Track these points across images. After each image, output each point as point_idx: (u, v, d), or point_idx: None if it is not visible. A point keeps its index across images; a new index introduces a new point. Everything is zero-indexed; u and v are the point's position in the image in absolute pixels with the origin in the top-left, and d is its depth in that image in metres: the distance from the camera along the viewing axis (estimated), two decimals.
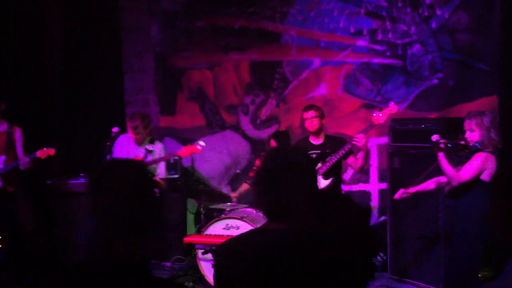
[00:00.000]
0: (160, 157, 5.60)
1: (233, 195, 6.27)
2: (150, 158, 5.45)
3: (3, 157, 5.52)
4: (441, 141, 4.25)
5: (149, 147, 5.43)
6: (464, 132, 4.36)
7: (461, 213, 4.38)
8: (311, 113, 5.30)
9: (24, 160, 5.40)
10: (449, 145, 4.23)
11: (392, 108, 5.12)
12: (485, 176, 4.23)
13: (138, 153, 5.54)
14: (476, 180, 4.25)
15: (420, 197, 5.44)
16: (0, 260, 5.70)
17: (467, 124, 4.35)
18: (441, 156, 4.31)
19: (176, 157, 5.91)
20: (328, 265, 1.87)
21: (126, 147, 5.66)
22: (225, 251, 2.02)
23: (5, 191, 5.54)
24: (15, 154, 5.57)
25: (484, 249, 4.31)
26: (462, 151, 4.27)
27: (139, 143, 5.61)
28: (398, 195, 4.81)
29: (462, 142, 4.26)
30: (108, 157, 5.50)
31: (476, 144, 4.23)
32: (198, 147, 5.48)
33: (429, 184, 4.75)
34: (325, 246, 1.88)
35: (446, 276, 5.07)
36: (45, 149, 5.37)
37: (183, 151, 5.55)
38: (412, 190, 4.77)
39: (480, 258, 4.33)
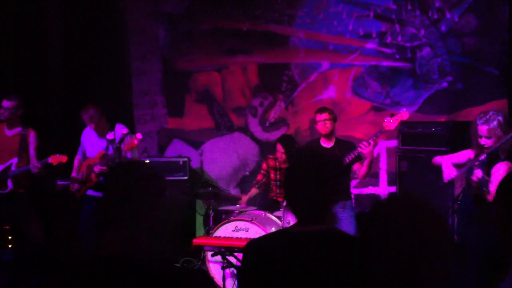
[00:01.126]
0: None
1: (243, 199, 6.27)
2: (111, 148, 5.37)
3: (15, 159, 5.54)
4: (476, 164, 4.04)
5: (110, 135, 5.39)
6: (477, 136, 4.15)
7: (469, 220, 4.26)
8: (324, 116, 5.28)
9: (35, 165, 5.42)
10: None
11: (404, 114, 5.09)
12: None
13: (101, 144, 5.51)
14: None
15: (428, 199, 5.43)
16: (8, 261, 5.74)
17: (483, 130, 4.08)
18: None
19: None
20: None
21: (89, 139, 5.64)
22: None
23: (16, 193, 5.56)
24: (28, 157, 5.58)
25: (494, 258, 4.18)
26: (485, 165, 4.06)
27: (100, 133, 5.51)
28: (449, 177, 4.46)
29: (483, 157, 4.03)
30: (79, 150, 5.66)
31: (493, 150, 4.02)
32: (135, 141, 5.26)
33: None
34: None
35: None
36: (58, 155, 5.40)
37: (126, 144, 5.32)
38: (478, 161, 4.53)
39: (489, 267, 4.08)
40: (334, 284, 1.87)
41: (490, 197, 4.04)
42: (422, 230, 1.50)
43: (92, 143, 5.60)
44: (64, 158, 5.42)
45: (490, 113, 4.16)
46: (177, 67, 7.55)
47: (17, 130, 5.64)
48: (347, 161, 5.10)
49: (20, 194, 5.61)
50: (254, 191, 6.23)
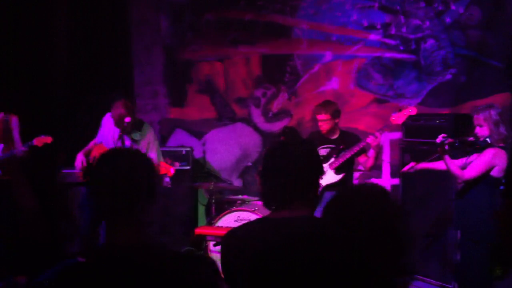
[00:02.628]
0: None
1: None
2: (135, 147, 5.08)
3: (1, 146, 5.50)
4: (447, 142, 4.19)
5: (135, 135, 5.17)
6: (474, 128, 4.29)
7: (468, 210, 4.32)
8: (321, 116, 5.21)
9: (20, 148, 5.38)
10: (456, 144, 4.19)
11: (412, 110, 5.07)
12: (495, 173, 4.16)
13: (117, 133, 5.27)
14: (484, 177, 4.17)
15: (430, 194, 5.45)
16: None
17: (476, 119, 4.27)
18: (446, 158, 4.25)
19: None
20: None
21: (112, 130, 5.35)
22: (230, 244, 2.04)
23: (3, 180, 5.51)
24: (13, 142, 5.53)
25: (493, 247, 4.26)
26: (471, 147, 4.22)
27: (123, 129, 5.19)
28: (406, 168, 4.79)
29: (471, 139, 4.21)
30: (98, 134, 5.46)
31: (487, 139, 4.16)
32: (172, 170, 5.17)
33: (440, 164, 4.58)
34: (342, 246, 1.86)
35: (456, 274, 5.07)
36: (42, 136, 5.33)
37: (162, 169, 5.21)
38: (421, 165, 4.73)
39: (489, 256, 4.21)
40: (314, 270, 1.87)
41: (459, 180, 4.26)
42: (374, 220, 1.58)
43: (112, 133, 5.36)
44: (48, 139, 5.33)
45: (484, 105, 4.37)
46: (179, 57, 7.53)
47: None
48: (353, 152, 5.11)
49: (8, 181, 5.55)
50: None
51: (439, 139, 4.24)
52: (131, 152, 1.87)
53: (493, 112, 4.20)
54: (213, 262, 1.81)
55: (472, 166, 4.20)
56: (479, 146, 4.18)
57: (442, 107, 6.28)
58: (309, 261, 1.82)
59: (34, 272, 5.33)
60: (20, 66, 6.44)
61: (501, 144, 4.20)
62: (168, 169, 5.15)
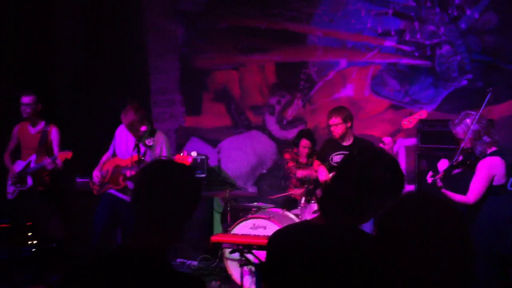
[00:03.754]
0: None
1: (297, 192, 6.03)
2: (149, 154, 5.16)
3: (33, 156, 5.58)
4: (437, 178, 4.02)
5: (149, 141, 5.14)
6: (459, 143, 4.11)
7: (472, 220, 4.10)
8: (332, 121, 5.21)
9: (47, 161, 5.45)
10: (449, 171, 4.03)
11: (422, 113, 5.04)
12: (496, 181, 4.00)
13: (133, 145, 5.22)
14: (488, 190, 3.99)
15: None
16: (27, 257, 5.79)
17: (455, 134, 4.11)
18: (446, 193, 4.07)
19: None
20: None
21: (124, 138, 5.43)
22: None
23: (35, 190, 5.62)
24: (50, 153, 5.59)
25: (502, 257, 4.09)
26: (463, 167, 4.06)
27: (139, 137, 5.14)
28: (429, 177, 4.59)
29: (460, 158, 4.06)
30: (111, 147, 5.47)
31: (476, 152, 4.00)
32: (190, 159, 5.09)
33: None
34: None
35: None
36: (63, 152, 5.42)
37: (177, 159, 5.25)
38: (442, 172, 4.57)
39: (490, 268, 4.02)
40: (349, 281, 1.85)
41: (471, 199, 4.00)
42: (440, 229, 1.45)
43: (126, 143, 5.40)
44: (68, 155, 5.40)
45: (461, 115, 4.17)
46: (195, 65, 7.58)
47: (40, 126, 5.70)
48: None
49: (40, 191, 5.65)
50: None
51: (429, 180, 4.09)
52: (180, 166, 1.91)
53: (469, 122, 4.02)
54: (203, 282, 1.81)
55: (473, 188, 4.01)
56: (470, 162, 4.01)
57: (458, 113, 6.17)
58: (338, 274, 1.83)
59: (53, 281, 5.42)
60: (34, 75, 6.53)
61: (494, 148, 4.04)
62: (185, 159, 5.11)
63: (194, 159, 5.14)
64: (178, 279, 1.77)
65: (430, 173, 4.14)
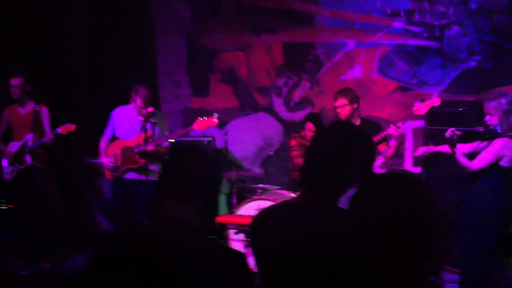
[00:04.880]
0: (177, 133, 5.51)
1: None
2: (157, 132, 5.30)
3: (31, 135, 5.69)
4: (455, 136, 4.09)
5: (153, 120, 5.25)
6: (484, 115, 4.20)
7: (474, 199, 4.24)
8: (338, 102, 5.16)
9: (48, 136, 5.57)
10: (465, 136, 4.13)
11: (435, 101, 4.97)
12: (504, 162, 4.09)
13: (138, 125, 5.34)
14: (493, 167, 4.09)
15: (452, 182, 5.36)
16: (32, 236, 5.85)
17: (486, 107, 4.18)
18: (455, 150, 4.15)
19: (192, 130, 5.68)
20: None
21: (124, 120, 5.49)
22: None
23: (35, 167, 5.72)
24: (43, 132, 5.72)
25: (500, 237, 4.18)
26: (480, 138, 4.16)
27: (146, 117, 5.28)
28: (419, 152, 4.74)
29: (480, 129, 4.14)
30: (108, 131, 5.54)
31: (496, 129, 4.09)
32: (214, 119, 5.29)
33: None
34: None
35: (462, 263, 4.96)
36: (66, 125, 5.51)
37: (200, 124, 5.35)
38: (433, 149, 4.66)
39: (491, 245, 4.17)
40: (326, 259, 1.86)
41: (467, 171, 4.16)
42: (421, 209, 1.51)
43: (128, 124, 5.47)
44: (72, 127, 5.50)
45: (496, 93, 4.31)
46: (201, 46, 7.54)
47: (30, 107, 5.80)
48: (375, 141, 5.03)
49: (40, 168, 5.76)
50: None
51: (448, 133, 4.17)
52: (201, 150, 1.98)
53: (504, 101, 4.12)
54: (244, 255, 1.84)
55: (480, 157, 4.13)
56: (488, 136, 4.12)
57: (467, 94, 6.17)
58: (318, 254, 1.83)
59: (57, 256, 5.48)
60: (44, 57, 6.53)
61: (510, 133, 4.12)
62: (210, 121, 5.28)
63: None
64: (222, 250, 1.82)
65: (452, 128, 4.16)
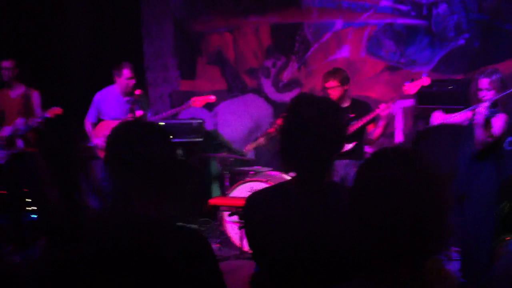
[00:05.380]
0: (175, 108, 5.62)
1: (248, 147, 6.23)
2: (144, 113, 5.38)
3: (22, 120, 5.69)
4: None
5: (137, 92, 5.39)
6: (477, 92, 4.32)
7: (475, 176, 4.34)
8: (329, 83, 5.14)
9: (36, 120, 5.63)
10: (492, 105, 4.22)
11: (425, 80, 5.00)
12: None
13: (124, 106, 5.42)
14: (505, 135, 4.27)
15: (442, 160, 5.42)
16: (28, 223, 5.84)
17: (480, 83, 4.29)
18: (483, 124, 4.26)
19: (190, 107, 5.74)
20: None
21: (109, 102, 5.55)
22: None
23: (26, 152, 5.76)
24: (33, 115, 5.75)
25: (499, 212, 4.29)
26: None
27: (130, 92, 5.43)
28: (436, 121, 4.75)
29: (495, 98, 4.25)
30: (91, 114, 5.59)
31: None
32: (212, 96, 5.49)
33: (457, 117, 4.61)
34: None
35: (461, 238, 5.03)
36: (53, 108, 5.60)
37: (197, 102, 5.49)
38: (448, 120, 4.68)
39: (495, 222, 4.26)
40: (320, 237, 1.88)
41: (497, 132, 4.25)
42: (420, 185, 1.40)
43: (115, 105, 5.50)
44: (59, 110, 5.58)
45: (490, 69, 4.44)
46: (188, 28, 7.48)
47: (21, 91, 5.84)
48: (364, 121, 5.05)
49: (31, 153, 5.79)
50: (261, 141, 6.06)
51: (481, 109, 4.24)
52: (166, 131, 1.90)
53: (498, 77, 4.27)
54: (204, 236, 1.79)
55: (495, 126, 4.23)
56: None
57: (455, 73, 6.20)
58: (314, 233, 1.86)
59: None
60: (36, 41, 6.51)
61: (503, 109, 4.29)
62: (208, 98, 5.49)
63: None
64: (181, 236, 1.75)
65: (486, 104, 4.23)
